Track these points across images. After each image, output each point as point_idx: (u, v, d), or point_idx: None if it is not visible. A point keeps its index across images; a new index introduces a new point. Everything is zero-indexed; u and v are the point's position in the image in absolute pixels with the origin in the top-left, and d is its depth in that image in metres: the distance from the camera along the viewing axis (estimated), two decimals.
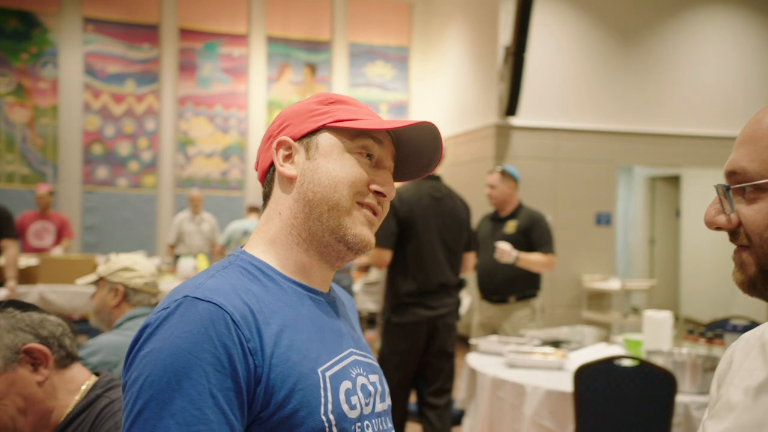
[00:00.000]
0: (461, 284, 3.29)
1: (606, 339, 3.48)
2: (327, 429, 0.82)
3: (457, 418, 3.28)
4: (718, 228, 0.77)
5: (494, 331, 3.85)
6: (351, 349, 0.94)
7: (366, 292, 6.61)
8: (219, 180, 8.05)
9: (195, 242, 6.80)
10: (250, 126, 8.14)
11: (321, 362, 0.86)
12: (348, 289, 6.12)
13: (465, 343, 5.41)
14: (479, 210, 4.21)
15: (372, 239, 0.94)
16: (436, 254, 3.16)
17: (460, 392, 3.03)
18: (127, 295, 2.05)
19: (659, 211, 9.55)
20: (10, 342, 1.19)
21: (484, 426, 2.82)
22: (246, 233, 6.29)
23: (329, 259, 0.95)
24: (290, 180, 0.94)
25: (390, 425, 0.98)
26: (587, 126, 6.81)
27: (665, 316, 2.91)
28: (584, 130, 6.79)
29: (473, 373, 2.94)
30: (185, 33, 7.97)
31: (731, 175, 0.76)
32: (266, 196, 0.97)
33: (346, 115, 0.95)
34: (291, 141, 0.94)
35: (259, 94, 8.22)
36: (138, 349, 0.79)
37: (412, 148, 0.98)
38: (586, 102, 6.85)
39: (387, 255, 3.13)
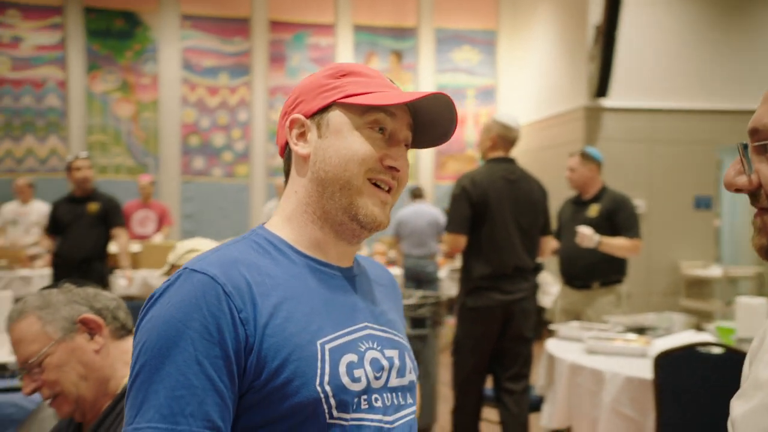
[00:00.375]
0: (538, 268, 3.22)
1: (697, 326, 3.31)
2: (323, 400, 0.83)
3: (536, 405, 3.22)
4: (738, 190, 0.72)
5: (577, 317, 3.75)
6: (366, 323, 0.93)
7: (452, 278, 6.59)
8: None
9: None
10: None
11: (322, 334, 0.86)
12: (432, 275, 6.12)
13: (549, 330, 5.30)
14: (566, 194, 4.10)
15: (384, 218, 0.94)
16: (510, 238, 3.10)
17: (539, 378, 2.97)
18: None
19: None
20: (67, 314, 1.29)
21: (562, 413, 2.75)
22: None
23: (344, 236, 0.95)
24: (304, 159, 0.94)
25: (411, 401, 0.97)
26: (685, 105, 6.46)
27: (760, 303, 2.74)
28: (682, 109, 6.45)
29: (552, 359, 2.88)
30: (275, 25, 8.18)
31: (753, 133, 0.71)
32: (286, 173, 0.99)
33: (357, 89, 0.93)
34: (303, 119, 0.95)
35: None
36: (142, 317, 0.84)
37: (429, 117, 0.97)
38: (685, 80, 6.49)
39: (462, 240, 3.10)
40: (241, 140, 8.16)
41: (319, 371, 0.83)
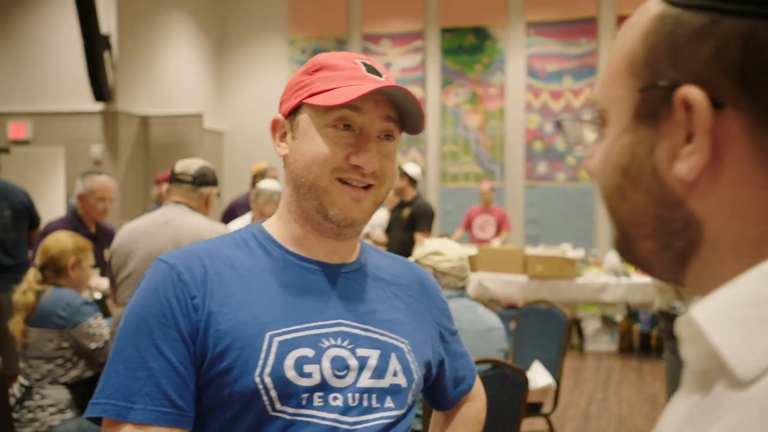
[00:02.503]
0: None
1: None
2: (262, 391, 0.84)
3: None
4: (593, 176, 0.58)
5: None
6: (340, 320, 0.92)
7: None
8: None
9: None
10: None
11: (275, 326, 0.87)
12: None
13: None
14: None
15: (358, 214, 0.92)
16: None
17: None
18: (436, 277, 2.22)
19: None
20: None
21: None
22: None
23: (326, 234, 0.95)
24: (285, 159, 0.97)
25: (391, 405, 0.92)
26: None
27: None
28: None
29: None
30: (623, 21, 7.77)
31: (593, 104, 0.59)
32: None
33: (322, 86, 0.91)
34: (282, 120, 0.97)
35: None
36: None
37: (404, 104, 0.93)
38: None
39: None
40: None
41: (261, 362, 0.85)
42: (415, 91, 8.52)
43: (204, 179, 2.72)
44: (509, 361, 2.78)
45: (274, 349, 0.86)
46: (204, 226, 2.61)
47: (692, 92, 0.46)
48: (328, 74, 0.93)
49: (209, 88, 8.88)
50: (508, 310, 6.38)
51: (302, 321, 0.90)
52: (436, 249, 2.33)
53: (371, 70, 0.94)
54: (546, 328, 3.46)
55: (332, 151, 0.90)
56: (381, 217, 6.14)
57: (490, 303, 6.21)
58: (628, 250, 0.54)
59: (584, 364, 5.95)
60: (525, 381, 2.26)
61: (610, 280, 5.84)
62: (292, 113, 0.95)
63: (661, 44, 0.48)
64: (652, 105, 0.49)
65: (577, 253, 6.13)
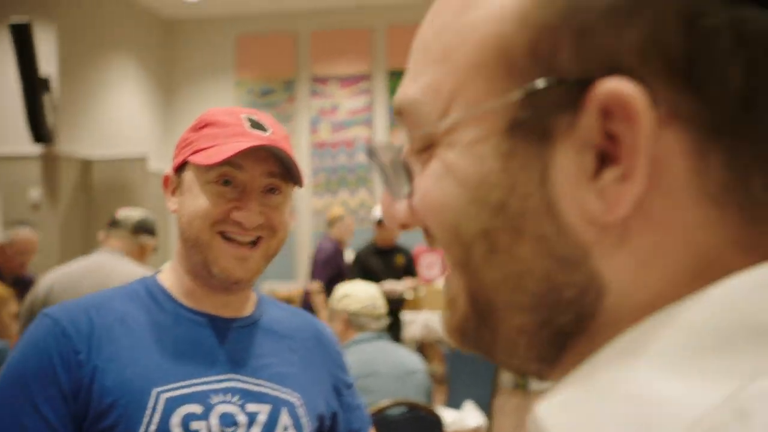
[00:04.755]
0: None
1: None
2: None
3: None
4: (405, 225, 0.41)
5: None
6: (231, 375, 0.92)
7: None
8: None
9: None
10: None
11: (162, 382, 0.86)
12: None
13: None
14: None
15: (243, 273, 0.91)
16: None
17: None
18: (350, 321, 2.20)
19: None
20: None
21: None
22: None
23: (215, 288, 0.95)
24: (175, 214, 0.98)
25: None
26: None
27: None
28: None
29: None
30: None
31: (400, 119, 0.40)
32: None
33: (205, 143, 0.92)
34: (172, 175, 0.98)
35: None
36: None
37: (285, 160, 0.94)
38: None
39: None
40: None
41: (146, 420, 0.84)
42: (363, 132, 8.58)
43: (144, 228, 2.71)
44: (436, 403, 2.73)
45: (160, 406, 0.86)
46: (136, 275, 2.54)
47: (622, 88, 0.31)
48: (213, 131, 0.94)
49: (154, 130, 8.79)
50: (455, 350, 6.33)
51: (191, 376, 0.90)
52: (345, 292, 2.31)
53: (255, 125, 0.96)
54: (479, 368, 3.44)
55: (213, 205, 0.92)
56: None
57: (436, 344, 6.16)
58: (482, 325, 0.37)
59: (529, 403, 5.91)
60: (440, 423, 2.22)
61: None
62: (180, 169, 0.97)
63: (560, 26, 0.33)
64: (544, 114, 0.33)
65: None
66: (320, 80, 8.72)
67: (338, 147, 8.68)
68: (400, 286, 5.44)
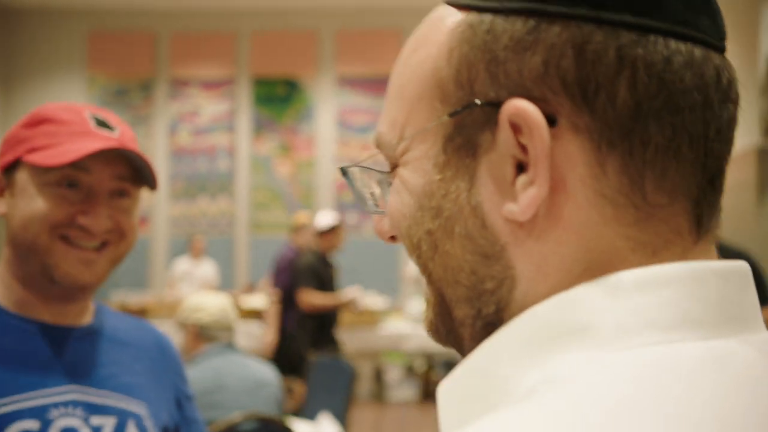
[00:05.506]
0: None
1: None
2: None
3: None
4: (393, 237, 0.47)
5: None
6: (71, 386, 0.86)
7: None
8: None
9: None
10: None
11: None
12: None
13: None
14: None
15: (89, 276, 0.85)
16: None
17: None
18: (200, 334, 2.13)
19: None
20: None
21: None
22: None
23: (54, 297, 0.88)
24: (4, 217, 0.89)
25: None
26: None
27: None
28: None
29: None
30: None
31: (376, 147, 0.47)
32: None
33: (43, 141, 0.85)
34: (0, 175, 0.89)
35: None
36: None
37: (137, 162, 0.89)
38: None
39: None
40: None
41: None
42: (226, 138, 8.36)
43: None
44: (289, 416, 2.68)
45: None
46: None
47: (524, 106, 0.37)
48: (51, 128, 0.87)
49: None
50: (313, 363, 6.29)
51: (24, 390, 0.83)
52: (195, 305, 2.23)
53: (102, 124, 0.89)
54: (334, 381, 3.43)
55: (54, 209, 0.85)
56: None
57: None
58: (444, 320, 0.44)
59: (385, 414, 6.00)
60: None
61: (411, 328, 5.99)
62: (10, 169, 0.88)
63: (475, 58, 0.40)
64: (469, 131, 0.40)
65: (381, 302, 6.23)
66: (181, 83, 8.39)
67: (199, 153, 8.38)
68: (358, 293, 5.43)
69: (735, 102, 0.41)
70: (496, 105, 0.39)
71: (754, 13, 5.77)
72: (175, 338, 4.81)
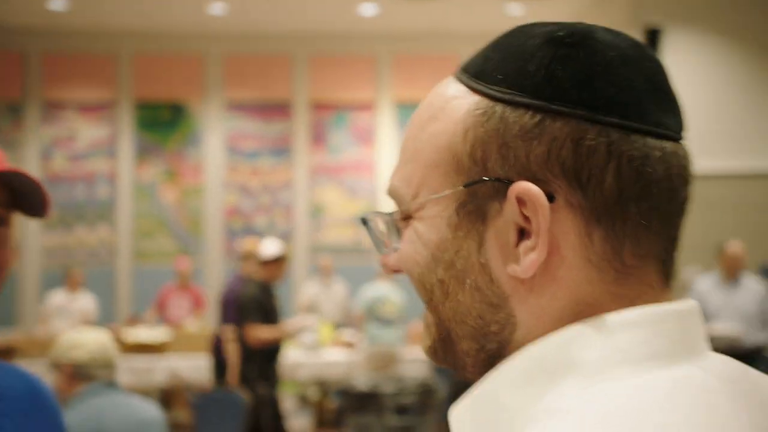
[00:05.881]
0: None
1: None
2: None
3: None
4: (397, 271, 0.55)
5: None
6: None
7: None
8: (351, 247, 8.07)
9: (326, 310, 6.79)
10: (378, 192, 8.13)
11: None
12: None
13: None
14: None
15: None
16: None
17: None
18: (77, 374, 1.99)
19: None
20: None
21: None
22: (379, 299, 6.15)
23: None
24: None
25: None
26: (742, 166, 5.89)
27: None
28: (738, 174, 5.88)
29: None
30: (316, 106, 8.26)
31: (390, 196, 0.56)
32: None
33: None
34: None
35: (388, 160, 8.23)
36: None
37: (19, 186, 0.82)
38: (741, 139, 5.95)
39: None
40: (283, 220, 8.13)
41: None
42: (106, 163, 7.96)
43: None
44: None
45: None
46: None
47: (530, 188, 0.45)
48: None
49: None
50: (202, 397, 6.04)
51: None
52: (71, 342, 2.07)
53: None
54: (225, 415, 3.29)
55: None
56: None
57: (183, 391, 5.81)
58: (446, 348, 0.52)
59: None
60: None
61: (305, 357, 5.89)
62: None
63: (489, 140, 0.47)
64: (480, 200, 0.48)
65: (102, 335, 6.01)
66: (55, 106, 7.93)
67: (76, 179, 7.92)
68: (306, 321, 5.29)
69: (689, 183, 0.50)
70: (505, 182, 0.47)
71: None
72: (48, 379, 4.47)
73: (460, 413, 0.49)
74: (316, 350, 5.95)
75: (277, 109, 8.21)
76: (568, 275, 0.47)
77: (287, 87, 8.24)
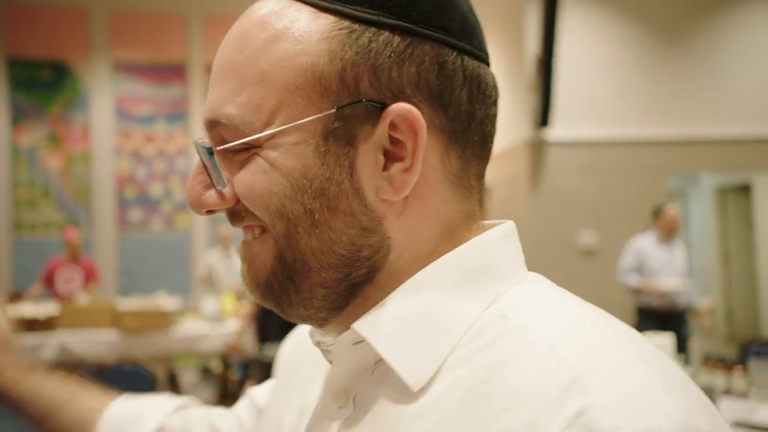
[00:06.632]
0: None
1: None
2: None
3: None
4: (210, 211, 0.51)
5: None
6: None
7: None
8: None
9: (226, 281, 6.61)
10: None
11: None
12: None
13: None
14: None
15: None
16: None
17: None
18: None
19: (731, 223, 8.71)
20: None
21: None
22: None
23: None
24: None
25: None
26: (631, 135, 6.23)
27: (664, 341, 2.45)
28: (627, 141, 6.21)
29: None
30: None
31: (212, 127, 0.50)
32: None
33: None
34: None
35: None
36: None
37: None
38: (629, 109, 6.27)
39: None
40: (180, 189, 7.79)
41: None
42: None
43: None
44: None
45: None
46: None
47: (411, 109, 0.45)
48: None
49: None
50: (97, 373, 5.74)
51: None
52: None
53: None
54: (133, 390, 3.12)
55: None
56: None
57: (75, 367, 5.50)
58: (288, 283, 0.49)
59: None
60: None
61: (208, 328, 5.71)
62: None
63: (360, 63, 0.46)
64: (351, 124, 0.46)
65: (172, 303, 5.86)
66: None
67: None
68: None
69: (497, 104, 0.52)
70: (379, 105, 0.46)
71: (520, 17, 6.36)
72: None
73: (383, 328, 0.47)
74: (219, 322, 5.79)
75: (171, 72, 7.80)
76: (432, 195, 0.48)
77: (182, 49, 7.84)
